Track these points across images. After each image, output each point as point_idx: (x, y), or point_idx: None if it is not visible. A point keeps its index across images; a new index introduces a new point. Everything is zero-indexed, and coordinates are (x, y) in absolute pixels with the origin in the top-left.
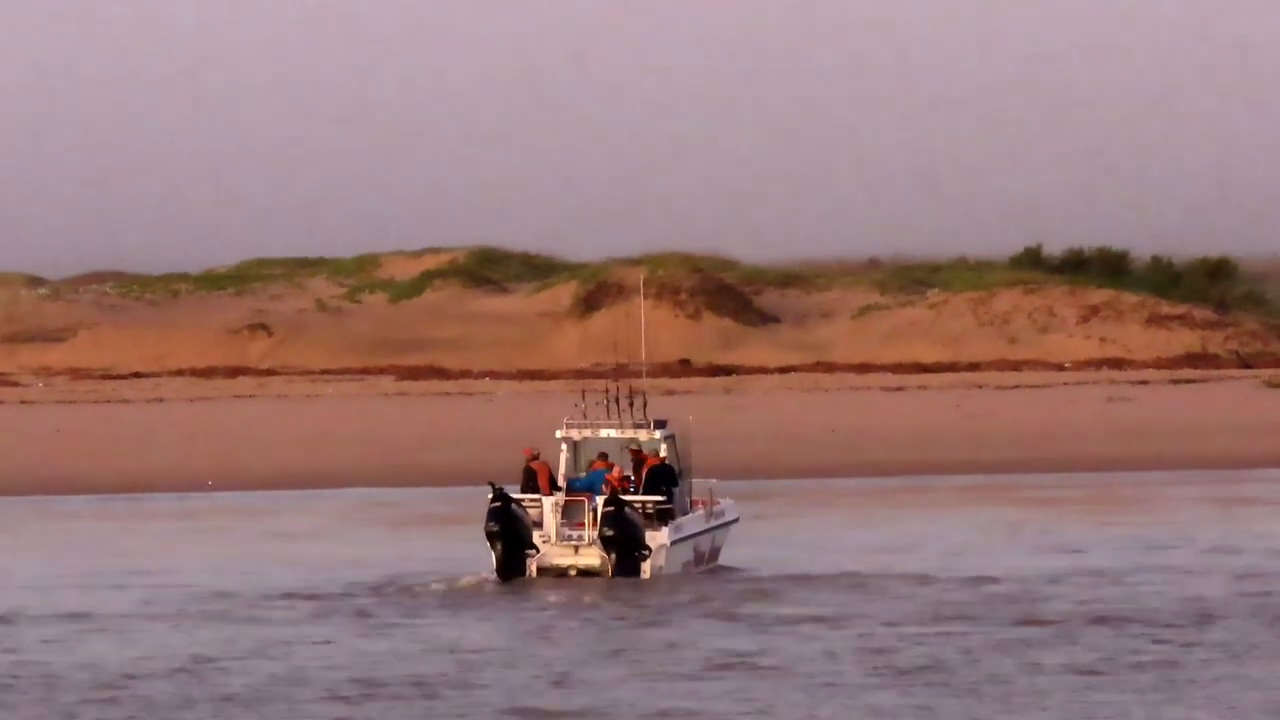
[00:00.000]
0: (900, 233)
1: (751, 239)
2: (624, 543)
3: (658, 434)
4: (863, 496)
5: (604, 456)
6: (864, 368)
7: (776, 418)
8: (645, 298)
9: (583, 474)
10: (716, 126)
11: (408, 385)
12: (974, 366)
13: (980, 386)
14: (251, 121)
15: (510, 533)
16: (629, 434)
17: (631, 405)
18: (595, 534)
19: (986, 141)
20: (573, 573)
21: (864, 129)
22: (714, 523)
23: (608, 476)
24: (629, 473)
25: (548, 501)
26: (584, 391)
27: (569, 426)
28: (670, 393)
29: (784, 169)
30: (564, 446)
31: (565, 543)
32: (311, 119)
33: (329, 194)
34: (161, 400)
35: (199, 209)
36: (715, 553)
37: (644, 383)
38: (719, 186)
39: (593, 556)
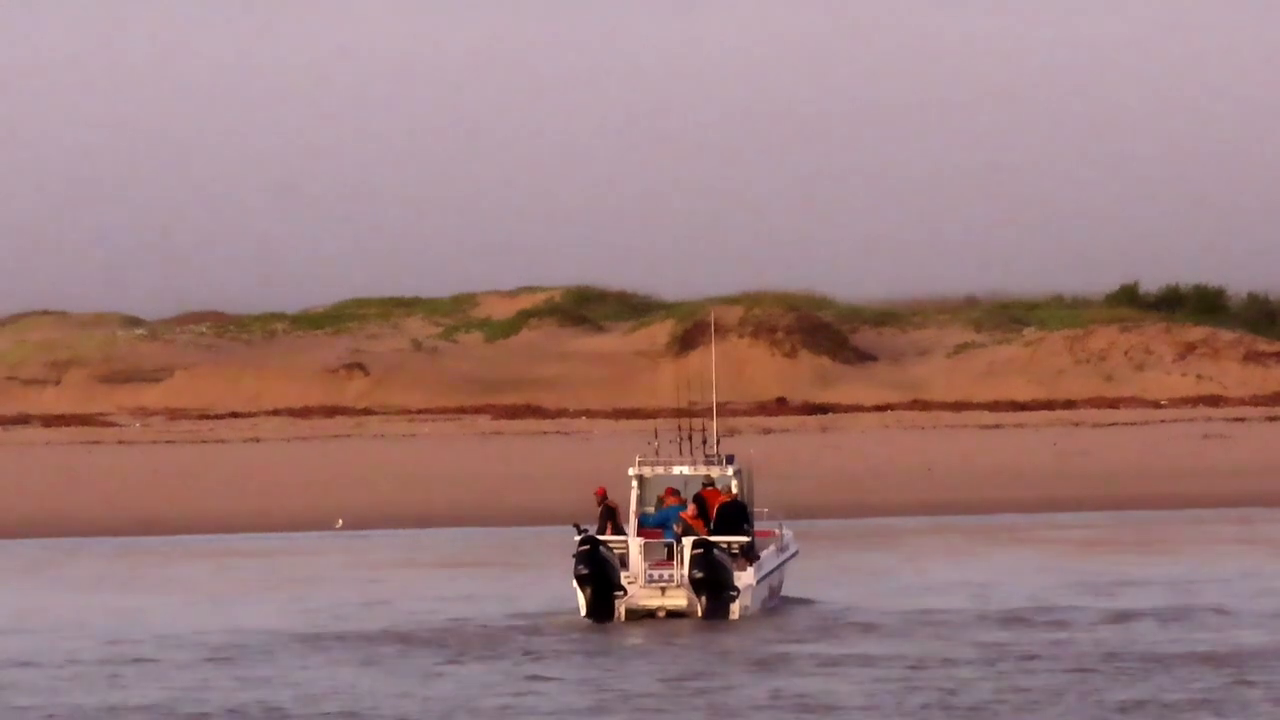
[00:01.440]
0: (997, 270)
1: (847, 277)
2: (714, 584)
3: (729, 470)
4: (961, 535)
5: (676, 493)
6: (960, 406)
7: (872, 456)
8: (742, 336)
9: (650, 509)
10: (812, 166)
11: (504, 425)
12: (1070, 404)
13: (1077, 424)
14: (347, 163)
15: (599, 575)
16: (701, 470)
17: (705, 443)
18: (684, 574)
19: (1082, 179)
20: (661, 614)
21: (960, 167)
22: (783, 558)
23: (682, 514)
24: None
25: (634, 543)
26: (656, 430)
27: (641, 464)
28: (767, 431)
29: (880, 207)
30: (634, 484)
31: (652, 584)
32: (407, 160)
33: (425, 233)
34: (258, 440)
35: (296, 249)
36: (780, 586)
37: (719, 421)
38: (815, 225)
39: (680, 598)
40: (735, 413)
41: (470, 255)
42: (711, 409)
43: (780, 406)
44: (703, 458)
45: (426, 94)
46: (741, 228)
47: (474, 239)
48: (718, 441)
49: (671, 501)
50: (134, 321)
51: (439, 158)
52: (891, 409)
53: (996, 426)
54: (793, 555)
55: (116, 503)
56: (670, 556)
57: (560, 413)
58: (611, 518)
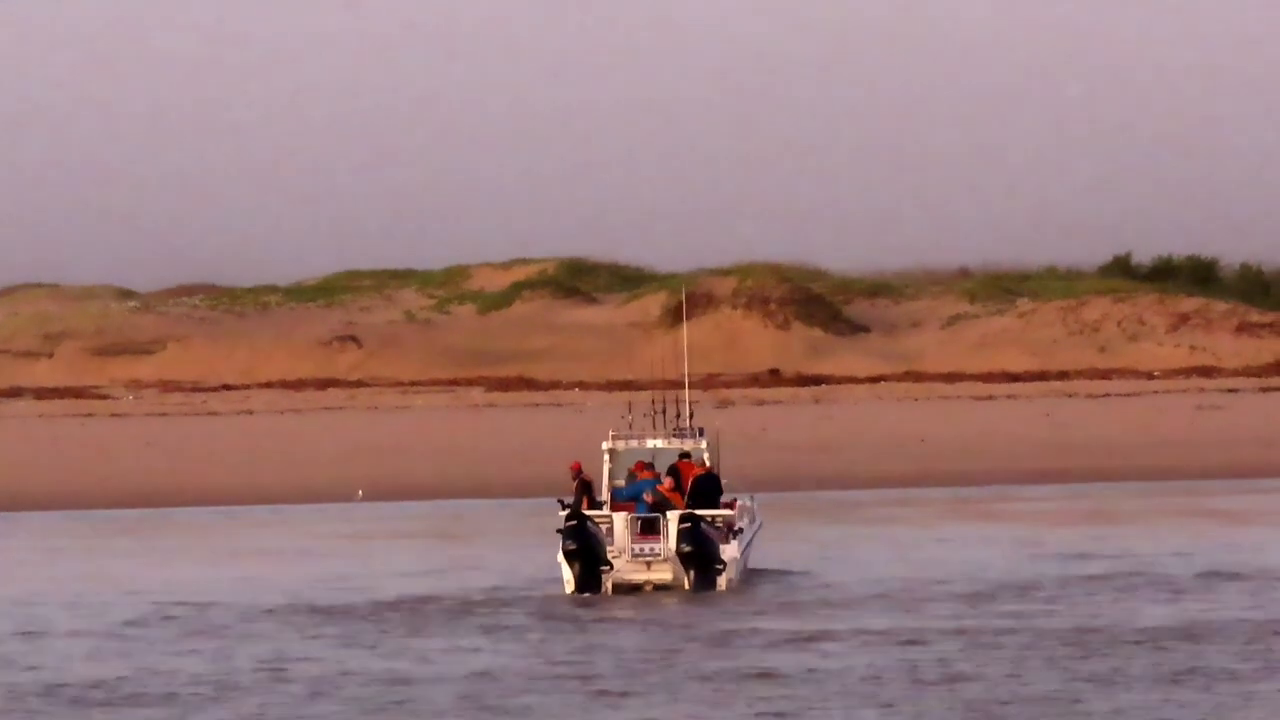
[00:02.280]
0: (989, 242)
1: (841, 249)
2: (702, 558)
3: (703, 443)
4: (956, 505)
5: (650, 466)
6: (954, 377)
7: (866, 428)
8: (735, 308)
9: (621, 483)
10: (804, 136)
11: (497, 397)
12: (1064, 375)
13: (1070, 395)
14: (338, 133)
15: (587, 550)
16: (675, 444)
17: (679, 416)
18: (671, 548)
19: (1075, 150)
20: (648, 588)
21: (950, 138)
22: (754, 530)
23: (658, 488)
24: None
25: (618, 517)
26: (630, 403)
27: (614, 438)
28: (760, 402)
29: (872, 178)
30: (606, 458)
31: (637, 558)
32: (400, 130)
33: (418, 205)
34: (251, 413)
35: (288, 221)
36: (748, 559)
37: (709, 393)
38: (807, 196)
39: (665, 571)
40: (729, 384)
41: (463, 227)
42: (684, 381)
43: (773, 378)
44: (674, 431)
45: (419, 66)
46: (734, 199)
47: (467, 211)
48: (691, 415)
49: (646, 476)
50: (127, 294)
51: (431, 130)
52: (885, 380)
53: (990, 398)
54: (759, 527)
55: (111, 476)
56: (651, 530)
57: (553, 385)
58: (587, 492)
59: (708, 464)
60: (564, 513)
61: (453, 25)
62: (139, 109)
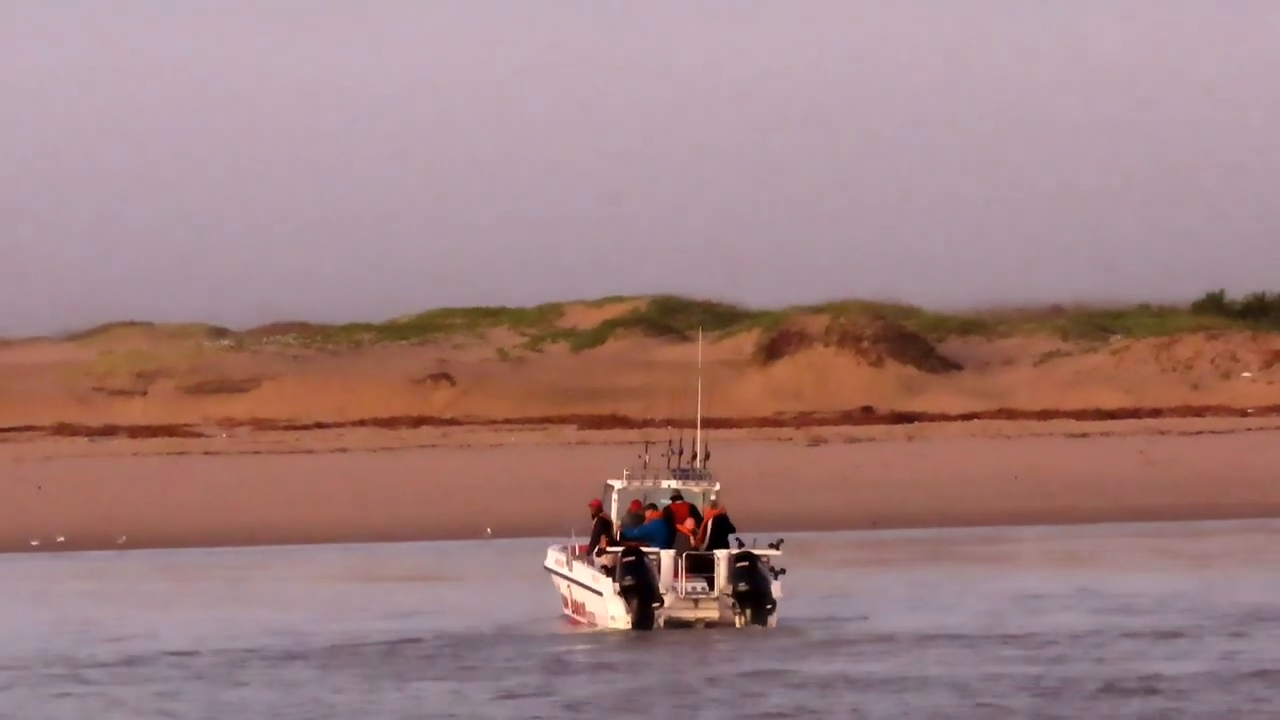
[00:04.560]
0: (1082, 279)
1: (933, 286)
2: (757, 596)
3: (717, 485)
4: (1050, 542)
5: (653, 506)
6: (1046, 414)
7: (959, 465)
8: (828, 345)
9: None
10: (896, 174)
11: (590, 434)
12: (1156, 412)
13: (1163, 433)
14: (430, 172)
15: (646, 586)
16: (691, 485)
17: (681, 454)
18: (725, 587)
19: (1168, 187)
20: (700, 626)
21: (1042, 175)
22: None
23: (681, 528)
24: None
25: (666, 555)
26: (647, 443)
27: (629, 478)
28: (853, 440)
29: (965, 216)
30: (615, 498)
31: (685, 596)
32: (493, 171)
33: (511, 243)
34: (345, 450)
35: (381, 259)
36: None
37: (706, 433)
38: (900, 233)
39: (713, 609)
40: (821, 422)
41: (556, 265)
42: (696, 421)
43: (866, 415)
44: (678, 471)
45: (513, 107)
46: (827, 236)
47: (560, 249)
48: (707, 456)
49: (654, 516)
50: (220, 332)
51: (526, 169)
52: (978, 417)
53: (1083, 435)
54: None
55: (206, 514)
56: (700, 568)
57: (646, 422)
58: (606, 530)
59: (715, 504)
60: (619, 549)
61: (546, 65)
62: (232, 151)
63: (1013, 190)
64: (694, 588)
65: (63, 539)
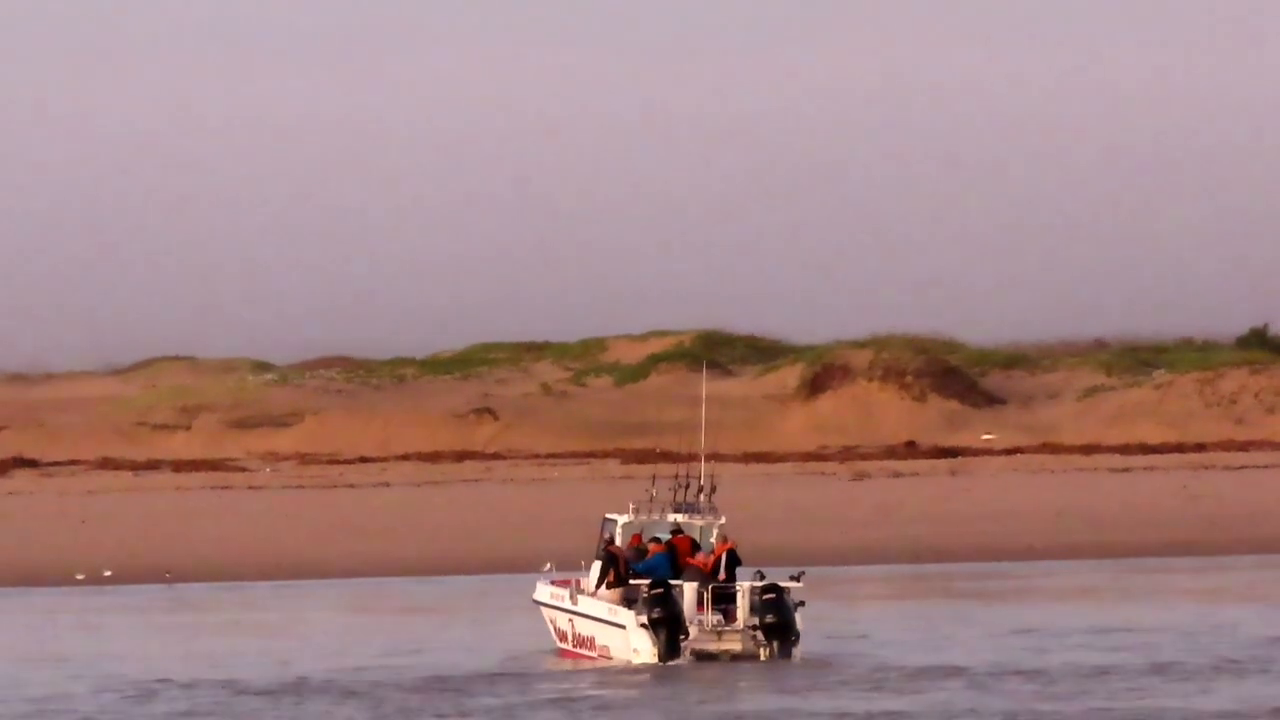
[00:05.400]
0: (1125, 313)
1: (977, 320)
2: (784, 629)
3: (723, 518)
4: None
5: (656, 540)
6: (1090, 449)
7: (1002, 500)
8: (871, 380)
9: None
10: (938, 209)
11: (634, 469)
12: (1201, 447)
13: (1207, 467)
14: (473, 207)
15: (673, 618)
16: (695, 520)
17: (700, 491)
18: (750, 620)
19: (1210, 221)
20: (726, 657)
21: (1086, 209)
22: None
23: (691, 561)
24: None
25: (689, 587)
26: (654, 477)
27: (635, 512)
28: (896, 474)
29: (1007, 251)
30: (619, 531)
31: (708, 629)
32: (535, 206)
33: (555, 278)
34: (388, 485)
35: (423, 294)
36: None
37: (710, 466)
38: (943, 268)
39: (735, 642)
40: (865, 457)
41: (599, 300)
42: (701, 456)
43: (910, 450)
44: (685, 506)
45: (557, 143)
46: (870, 271)
47: (603, 284)
48: (713, 490)
49: (656, 549)
50: (264, 366)
51: (567, 204)
52: (1021, 452)
53: (1126, 470)
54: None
55: (253, 547)
56: (724, 601)
57: (690, 457)
58: (614, 564)
59: (724, 538)
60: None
61: (584, 100)
62: (277, 184)
63: (1055, 224)
64: (718, 620)
65: (109, 573)
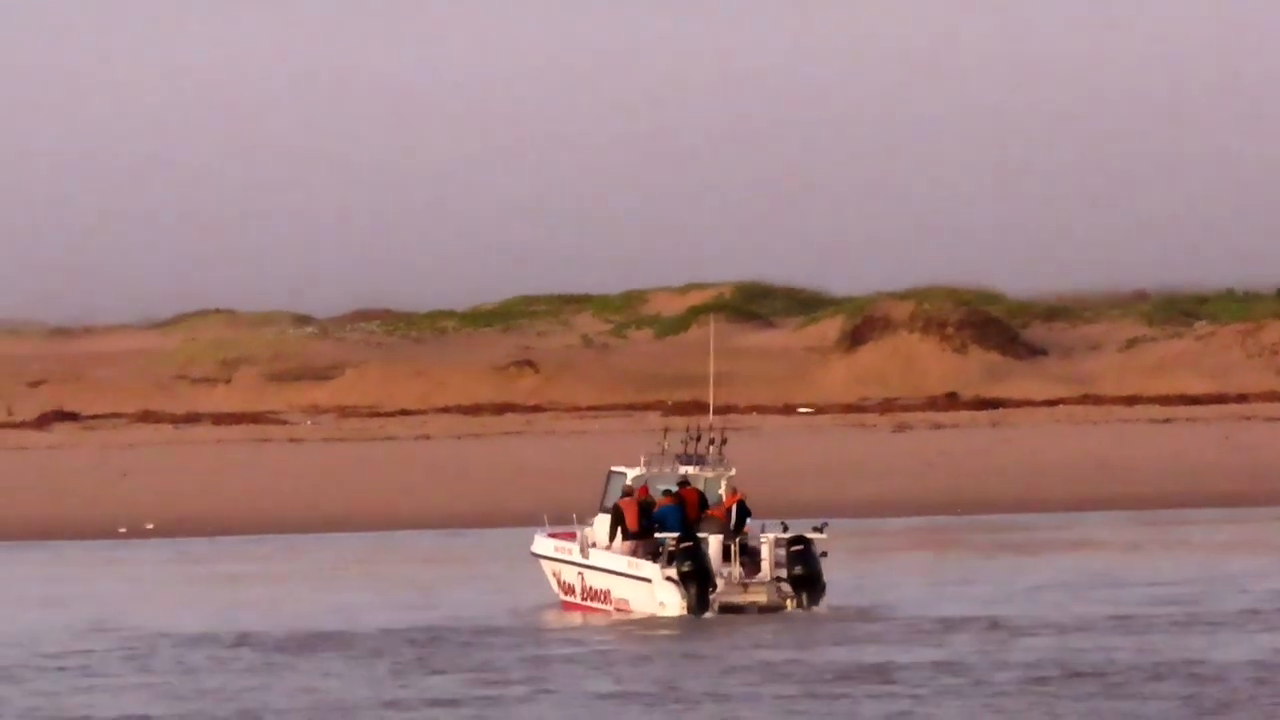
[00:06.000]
0: (1167, 264)
1: (1018, 272)
2: (812, 579)
3: (733, 470)
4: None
5: (666, 493)
6: (1132, 400)
7: (1044, 451)
8: (912, 331)
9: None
10: (981, 160)
11: (674, 421)
12: (1242, 398)
13: (1248, 418)
14: (517, 162)
15: (703, 572)
16: (705, 471)
17: (712, 443)
18: (777, 571)
19: (1252, 171)
20: (753, 610)
21: (1127, 160)
22: None
23: (711, 512)
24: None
25: (714, 539)
26: (665, 430)
27: (647, 464)
28: (938, 426)
29: (1051, 201)
30: (629, 481)
31: (734, 581)
32: (576, 158)
33: (596, 231)
34: (428, 437)
35: (466, 247)
36: None
37: (721, 419)
38: (984, 219)
39: (761, 594)
40: (906, 408)
41: (640, 252)
42: (709, 408)
43: (951, 402)
44: (686, 457)
45: (596, 95)
46: (911, 222)
47: (644, 236)
48: (724, 442)
49: (666, 502)
50: (304, 320)
51: (608, 157)
52: (1063, 404)
53: (1168, 421)
54: None
55: (293, 500)
56: (748, 553)
57: (730, 409)
58: (620, 519)
59: (734, 489)
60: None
61: (623, 51)
62: (314, 137)
63: (1096, 175)
64: (739, 572)
65: (151, 526)
